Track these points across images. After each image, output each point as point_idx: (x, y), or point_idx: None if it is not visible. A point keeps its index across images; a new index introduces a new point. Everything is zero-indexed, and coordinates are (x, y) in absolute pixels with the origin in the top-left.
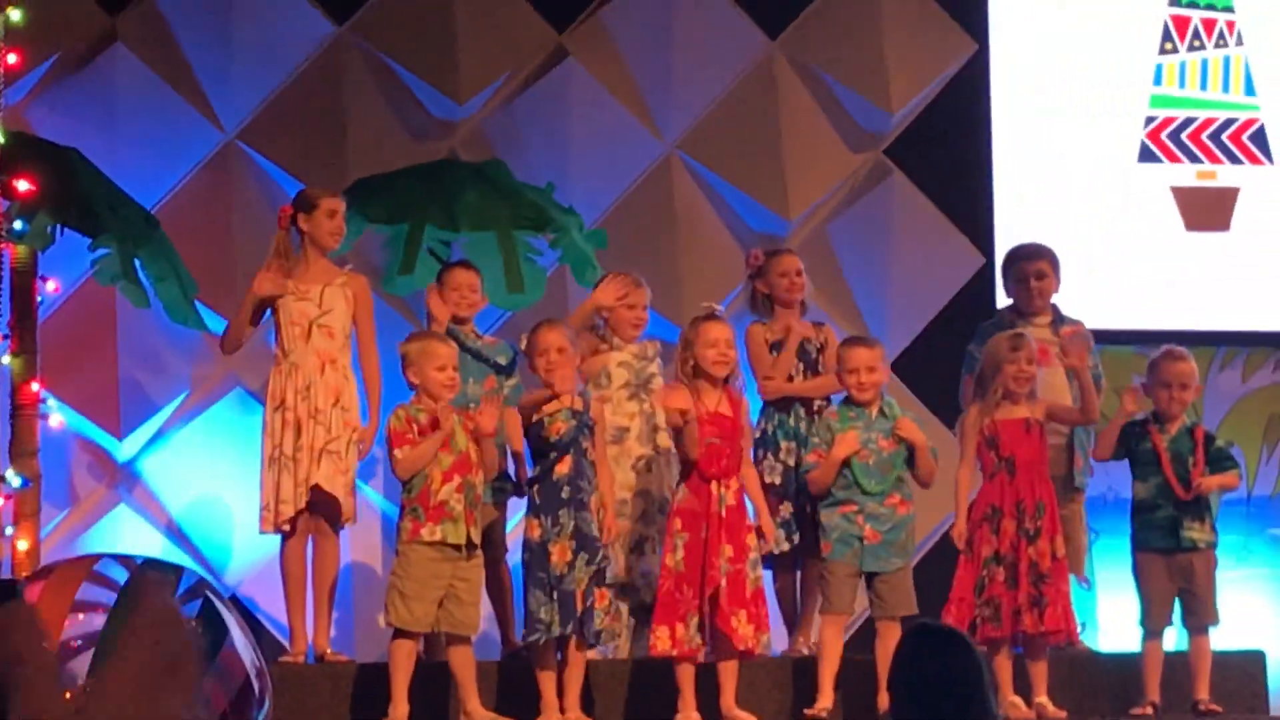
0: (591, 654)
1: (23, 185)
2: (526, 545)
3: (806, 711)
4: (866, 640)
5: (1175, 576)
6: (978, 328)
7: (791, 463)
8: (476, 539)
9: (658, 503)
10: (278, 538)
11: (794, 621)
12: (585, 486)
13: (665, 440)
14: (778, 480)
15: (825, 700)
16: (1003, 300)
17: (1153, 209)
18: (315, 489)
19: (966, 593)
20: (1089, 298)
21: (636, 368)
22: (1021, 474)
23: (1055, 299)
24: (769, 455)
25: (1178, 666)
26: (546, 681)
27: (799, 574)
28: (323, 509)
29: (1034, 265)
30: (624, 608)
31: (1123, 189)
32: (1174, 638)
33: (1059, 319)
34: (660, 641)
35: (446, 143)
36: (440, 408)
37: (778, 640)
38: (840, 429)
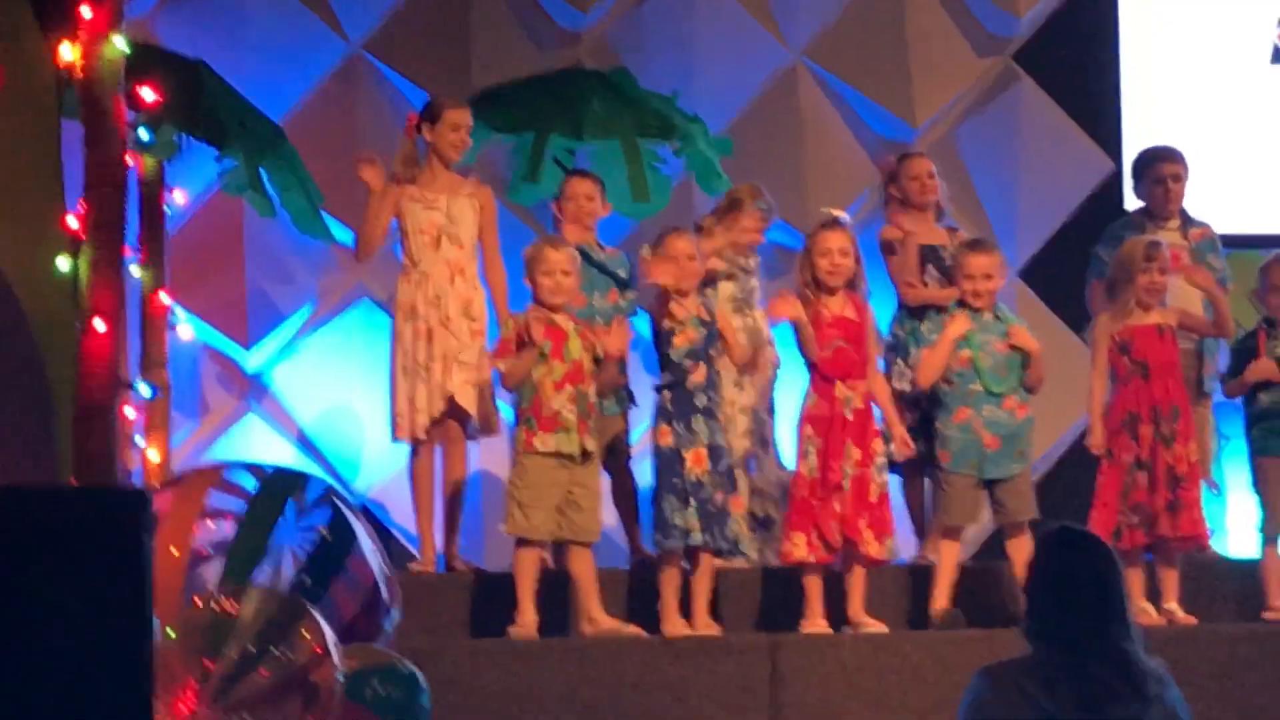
0: (739, 562)
1: (148, 95)
2: (658, 452)
3: (933, 611)
4: (992, 549)
5: None
6: (1105, 230)
7: None
8: (591, 448)
9: (762, 416)
10: (407, 447)
11: (922, 529)
12: (714, 396)
13: (773, 353)
14: (907, 387)
15: (942, 601)
16: (1132, 205)
17: None
18: (449, 399)
19: (1111, 498)
20: (1220, 202)
21: (741, 280)
22: (1156, 378)
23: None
24: (899, 361)
25: None
26: (670, 588)
27: (927, 482)
28: (453, 418)
29: (1172, 167)
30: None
31: (1255, 91)
32: None
33: (1187, 221)
34: (796, 549)
35: (571, 51)
36: (538, 314)
37: (903, 549)
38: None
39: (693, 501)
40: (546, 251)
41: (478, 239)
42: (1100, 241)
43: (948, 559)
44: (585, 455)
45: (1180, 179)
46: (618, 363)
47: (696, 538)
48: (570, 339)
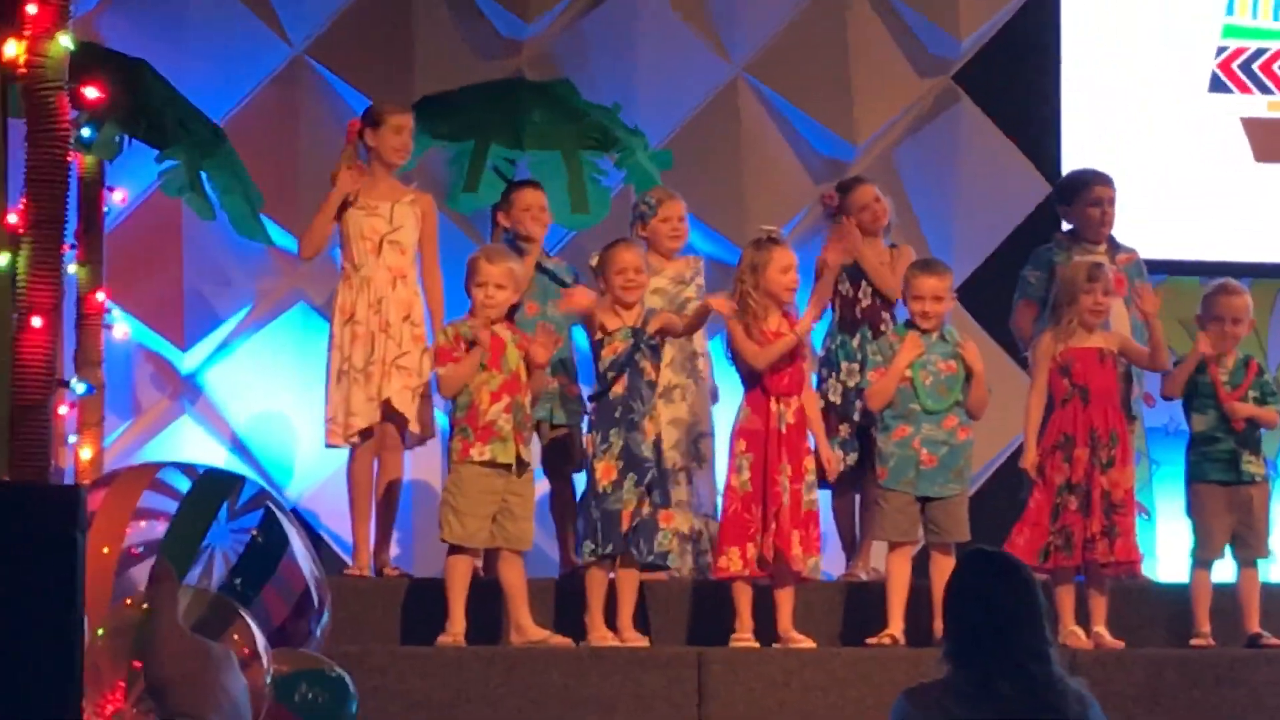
0: (659, 575)
1: (91, 94)
2: (586, 464)
3: (869, 640)
4: (920, 567)
5: (1234, 509)
6: (1033, 252)
7: (852, 384)
8: (527, 458)
9: (697, 431)
10: (341, 452)
11: (852, 545)
12: (638, 407)
13: (703, 366)
14: (838, 400)
15: (894, 628)
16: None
17: (1222, 139)
18: (386, 404)
19: (1041, 518)
20: (1156, 228)
21: (672, 293)
22: (1095, 402)
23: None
24: (831, 375)
25: (1227, 599)
26: (595, 600)
27: (857, 496)
28: (391, 424)
29: (1107, 191)
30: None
31: (1192, 119)
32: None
33: (1115, 246)
34: (731, 563)
35: (513, 61)
36: (479, 324)
37: (832, 564)
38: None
39: (599, 512)
40: (481, 264)
41: (418, 246)
42: (1027, 264)
43: (899, 576)
44: (521, 465)
45: (1113, 202)
46: (561, 371)
47: (601, 549)
48: (508, 349)
